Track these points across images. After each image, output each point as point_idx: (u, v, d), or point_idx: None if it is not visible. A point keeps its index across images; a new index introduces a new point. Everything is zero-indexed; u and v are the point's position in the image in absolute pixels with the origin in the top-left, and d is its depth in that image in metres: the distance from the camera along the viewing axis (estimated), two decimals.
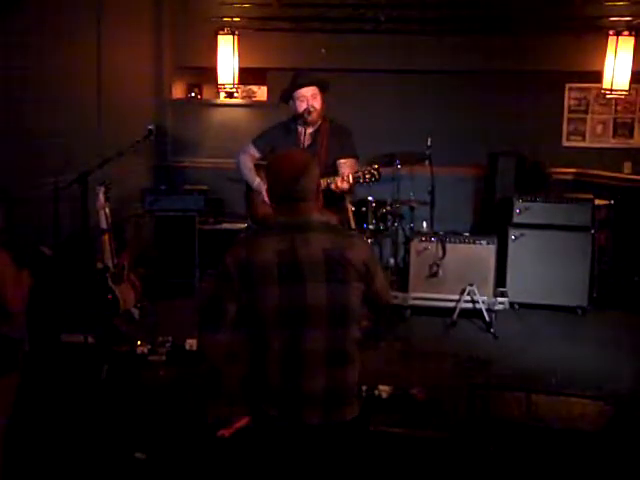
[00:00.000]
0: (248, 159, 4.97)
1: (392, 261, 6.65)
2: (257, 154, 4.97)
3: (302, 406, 2.47)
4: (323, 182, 4.57)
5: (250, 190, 5.01)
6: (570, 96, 7.47)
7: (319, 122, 4.82)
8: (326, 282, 2.47)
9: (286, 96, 4.83)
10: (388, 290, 2.80)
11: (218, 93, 7.75)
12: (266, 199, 4.83)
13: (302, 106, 4.72)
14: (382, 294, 2.69)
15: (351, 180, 4.54)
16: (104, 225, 5.50)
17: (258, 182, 4.89)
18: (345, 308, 2.50)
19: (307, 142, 4.82)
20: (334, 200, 4.61)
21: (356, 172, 4.57)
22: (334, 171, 4.67)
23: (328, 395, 2.48)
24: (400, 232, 6.55)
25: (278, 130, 4.93)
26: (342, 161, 4.73)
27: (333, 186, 4.54)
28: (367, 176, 4.54)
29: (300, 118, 4.75)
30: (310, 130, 4.82)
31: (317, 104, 4.75)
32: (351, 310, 2.52)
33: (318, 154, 4.64)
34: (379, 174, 4.55)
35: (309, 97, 4.72)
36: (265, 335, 2.48)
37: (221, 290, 2.54)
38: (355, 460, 2.56)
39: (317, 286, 2.46)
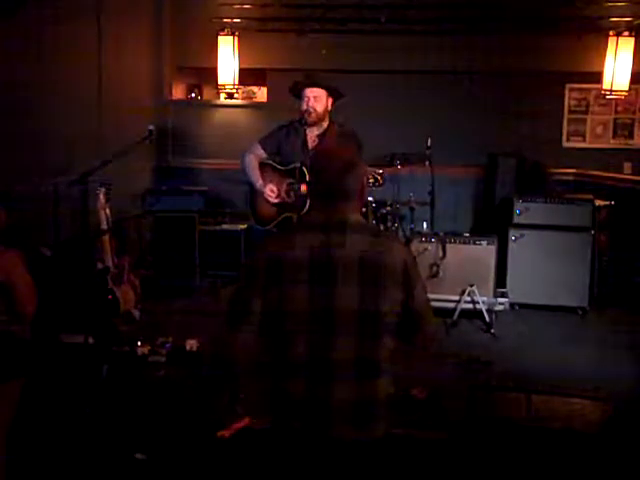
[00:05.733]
0: (253, 159, 4.99)
1: None
2: (263, 154, 4.99)
3: (328, 419, 2.32)
4: None
5: (254, 191, 5.02)
6: (570, 96, 7.48)
7: (325, 124, 4.84)
8: (359, 286, 2.32)
9: (295, 90, 4.84)
10: (429, 309, 2.51)
11: (218, 94, 7.76)
12: (271, 199, 4.84)
13: (303, 105, 4.74)
14: (422, 311, 2.45)
15: None
16: (104, 226, 5.49)
17: (261, 184, 4.91)
18: (377, 315, 2.34)
19: (313, 144, 4.83)
20: None
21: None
22: None
23: (357, 409, 2.33)
24: (400, 233, 6.54)
25: (285, 130, 4.95)
26: None
27: None
28: (370, 180, 4.57)
29: (301, 117, 4.77)
30: (316, 132, 4.83)
31: (319, 106, 4.75)
32: (384, 318, 2.35)
33: None
34: (383, 179, 4.58)
35: (311, 97, 4.74)
36: (290, 339, 2.33)
37: (248, 286, 2.39)
38: (381, 476, 2.43)
39: (348, 289, 2.31)
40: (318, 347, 2.32)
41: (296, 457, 2.37)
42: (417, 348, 2.55)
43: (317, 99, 4.75)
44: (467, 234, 6.33)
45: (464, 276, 6.02)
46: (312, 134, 4.84)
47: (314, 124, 4.80)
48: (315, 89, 4.76)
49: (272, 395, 2.41)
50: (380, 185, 4.63)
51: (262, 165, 4.97)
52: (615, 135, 7.49)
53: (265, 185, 4.88)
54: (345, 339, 2.32)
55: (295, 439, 2.36)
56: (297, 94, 4.85)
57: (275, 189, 4.85)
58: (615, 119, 7.48)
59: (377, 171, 4.62)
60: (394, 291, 2.36)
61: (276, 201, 4.85)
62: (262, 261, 2.39)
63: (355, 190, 2.43)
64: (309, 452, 2.35)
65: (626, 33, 6.90)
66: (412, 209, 6.50)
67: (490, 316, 5.89)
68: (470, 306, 5.98)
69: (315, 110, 4.75)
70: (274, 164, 4.95)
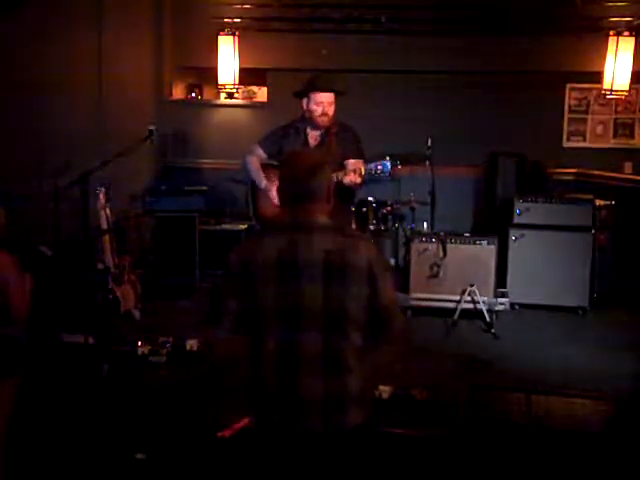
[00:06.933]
0: (255, 160, 4.99)
1: (393, 262, 6.65)
2: (263, 155, 4.98)
3: (299, 411, 2.43)
4: (334, 177, 4.59)
5: (255, 191, 5.02)
6: (570, 96, 7.47)
7: None
8: (323, 284, 2.42)
9: (302, 94, 4.83)
10: (397, 306, 2.59)
11: (218, 93, 7.76)
12: (275, 200, 4.85)
13: (317, 110, 4.73)
14: (389, 307, 2.50)
15: (363, 172, 4.57)
16: (104, 226, 5.50)
17: (266, 183, 4.91)
18: (343, 313, 2.43)
19: (314, 143, 4.84)
20: (345, 196, 4.62)
21: (368, 164, 4.61)
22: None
23: (327, 401, 2.43)
24: (401, 232, 6.54)
25: (285, 131, 4.94)
26: (351, 161, 4.75)
27: (347, 179, 4.55)
28: (379, 167, 4.58)
29: (311, 121, 4.77)
30: (318, 131, 4.83)
31: (331, 110, 4.76)
32: (350, 316, 2.44)
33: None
34: (391, 166, 4.60)
35: (326, 103, 4.73)
36: (263, 336, 2.46)
37: (223, 287, 2.54)
38: (356, 468, 2.51)
39: (314, 288, 2.42)
40: (287, 344, 2.44)
41: (274, 449, 2.49)
42: (386, 344, 2.60)
43: (331, 103, 4.76)
44: (467, 234, 6.32)
45: (464, 276, 6.02)
46: (313, 133, 4.85)
47: (325, 127, 4.80)
48: (329, 94, 4.75)
49: (251, 390, 2.53)
50: (390, 171, 4.65)
51: (265, 166, 4.98)
52: (615, 135, 7.49)
53: (272, 185, 4.88)
54: (312, 336, 2.43)
55: (273, 432, 2.49)
56: (303, 96, 4.83)
57: None
58: (615, 119, 7.48)
59: (385, 158, 4.64)
60: (359, 289, 2.45)
61: None
62: (235, 263, 2.51)
63: (322, 192, 2.52)
64: (285, 443, 2.46)
65: (626, 33, 6.89)
66: (412, 209, 6.49)
67: (490, 316, 5.89)
68: (470, 306, 5.98)
69: (329, 115, 4.76)
70: (275, 164, 4.95)
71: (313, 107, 4.74)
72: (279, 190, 2.66)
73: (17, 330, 3.37)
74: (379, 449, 2.87)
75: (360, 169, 4.59)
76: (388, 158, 4.65)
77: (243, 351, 2.52)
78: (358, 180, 4.60)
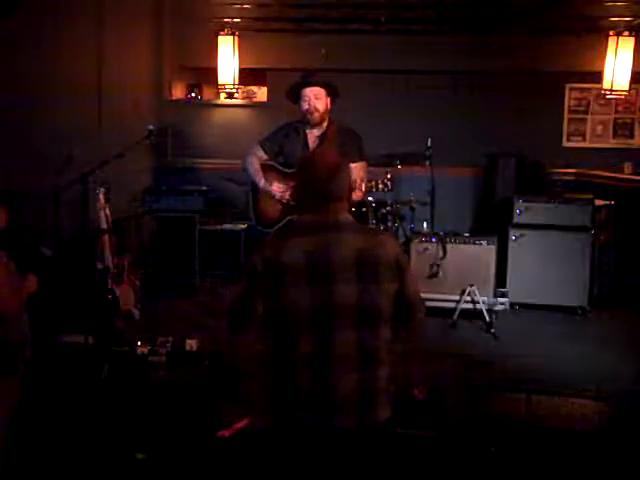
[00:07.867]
0: (255, 160, 4.99)
1: None
2: (264, 155, 4.99)
3: (334, 410, 2.42)
4: None
5: (255, 191, 5.02)
6: (570, 96, 7.48)
7: (325, 124, 4.84)
8: (357, 282, 2.43)
9: (292, 94, 4.83)
10: (420, 297, 2.69)
11: (218, 93, 7.76)
12: (279, 195, 4.86)
13: (304, 106, 4.74)
14: (414, 299, 2.61)
15: (364, 189, 4.61)
16: (104, 226, 5.49)
17: (264, 183, 4.92)
18: (376, 309, 2.46)
19: (313, 144, 4.84)
20: None
21: (369, 182, 4.66)
22: None
23: (360, 398, 2.44)
24: (400, 232, 6.54)
25: (285, 131, 4.95)
26: (352, 165, 4.74)
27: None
28: (380, 186, 4.63)
29: (302, 118, 4.78)
30: (317, 132, 4.84)
31: (320, 105, 4.75)
32: (382, 311, 2.48)
33: None
34: (392, 184, 4.65)
35: (312, 97, 4.73)
36: (294, 337, 2.43)
37: (249, 290, 2.50)
38: (387, 463, 2.53)
39: (347, 287, 2.42)
40: (320, 343, 2.42)
41: (301, 446, 2.47)
42: (409, 333, 2.65)
43: (318, 98, 4.75)
44: (467, 234, 6.33)
45: (464, 276, 6.02)
46: (312, 135, 4.85)
47: (317, 124, 4.80)
48: (315, 88, 4.75)
49: (277, 389, 2.50)
50: (390, 190, 4.72)
51: (265, 167, 4.98)
52: (615, 135, 7.49)
53: (271, 183, 4.89)
54: (345, 334, 2.43)
55: (300, 429, 2.46)
56: (294, 98, 4.84)
57: (282, 186, 4.86)
58: (615, 119, 7.48)
59: (386, 177, 4.68)
60: (390, 284, 2.50)
61: (284, 197, 4.84)
62: (261, 265, 2.46)
63: (344, 190, 2.55)
64: (314, 441, 2.44)
65: (626, 33, 6.89)
66: (412, 209, 6.49)
67: (490, 316, 5.89)
68: (470, 306, 5.98)
69: (317, 109, 4.75)
70: (277, 166, 4.96)
71: (301, 104, 4.76)
72: (300, 193, 2.65)
73: (10, 331, 3.35)
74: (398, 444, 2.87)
75: (361, 185, 4.60)
76: (389, 176, 4.71)
77: (267, 353, 2.50)
78: (360, 195, 4.66)
